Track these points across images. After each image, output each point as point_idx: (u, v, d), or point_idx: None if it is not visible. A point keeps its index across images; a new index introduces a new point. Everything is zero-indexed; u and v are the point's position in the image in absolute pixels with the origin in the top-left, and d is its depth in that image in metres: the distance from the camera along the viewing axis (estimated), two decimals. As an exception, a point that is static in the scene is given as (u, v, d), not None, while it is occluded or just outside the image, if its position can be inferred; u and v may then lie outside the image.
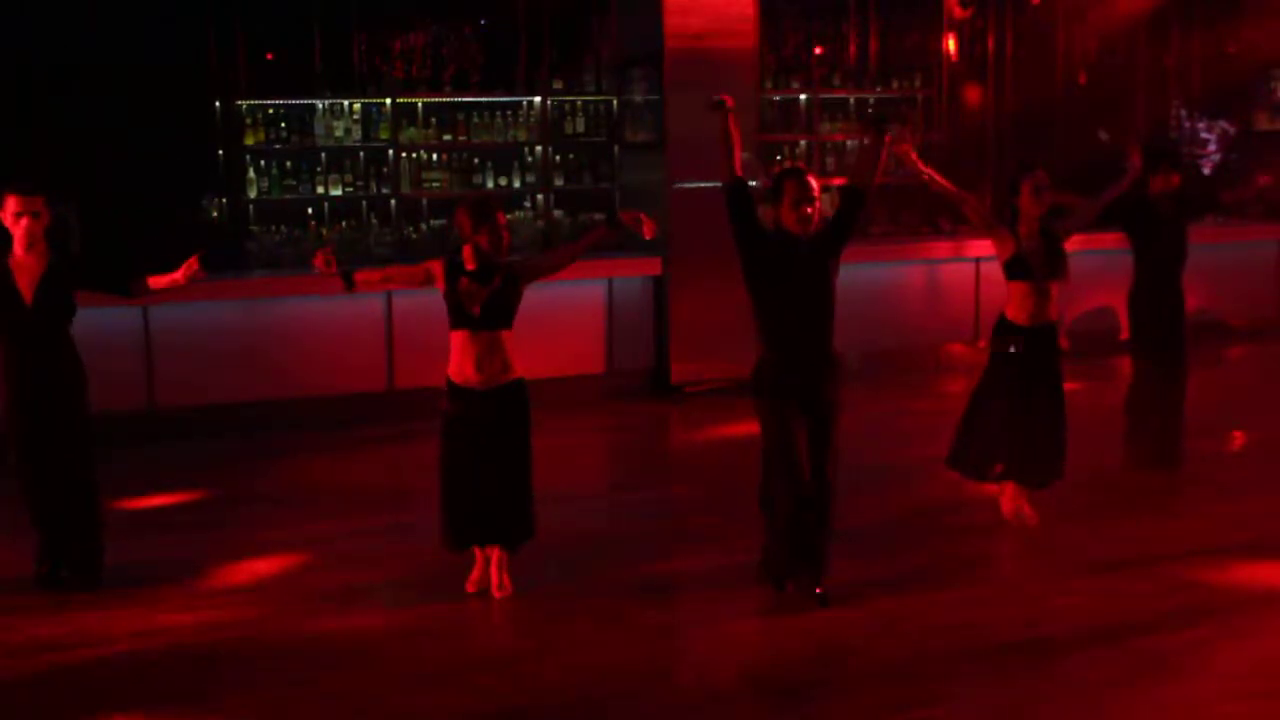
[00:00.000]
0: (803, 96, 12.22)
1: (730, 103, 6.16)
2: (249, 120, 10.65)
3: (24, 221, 6.29)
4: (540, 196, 11.44)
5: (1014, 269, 7.09)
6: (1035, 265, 7.03)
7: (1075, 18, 13.13)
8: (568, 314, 10.43)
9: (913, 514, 7.53)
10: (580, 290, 10.47)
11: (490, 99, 11.28)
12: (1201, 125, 13.88)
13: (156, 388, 9.46)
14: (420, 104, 11.12)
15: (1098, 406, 8.51)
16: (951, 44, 12.58)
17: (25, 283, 6.33)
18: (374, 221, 11.05)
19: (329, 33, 10.83)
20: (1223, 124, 13.89)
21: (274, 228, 10.72)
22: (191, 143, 10.47)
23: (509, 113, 11.33)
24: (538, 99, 11.33)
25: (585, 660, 5.70)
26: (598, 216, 11.46)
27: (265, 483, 8.51)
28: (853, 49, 12.47)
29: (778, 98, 12.12)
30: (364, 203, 11.07)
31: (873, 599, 6.24)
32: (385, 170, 11.04)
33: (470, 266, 6.10)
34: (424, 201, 11.21)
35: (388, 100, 10.98)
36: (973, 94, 12.78)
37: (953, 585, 6.44)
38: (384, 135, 11.00)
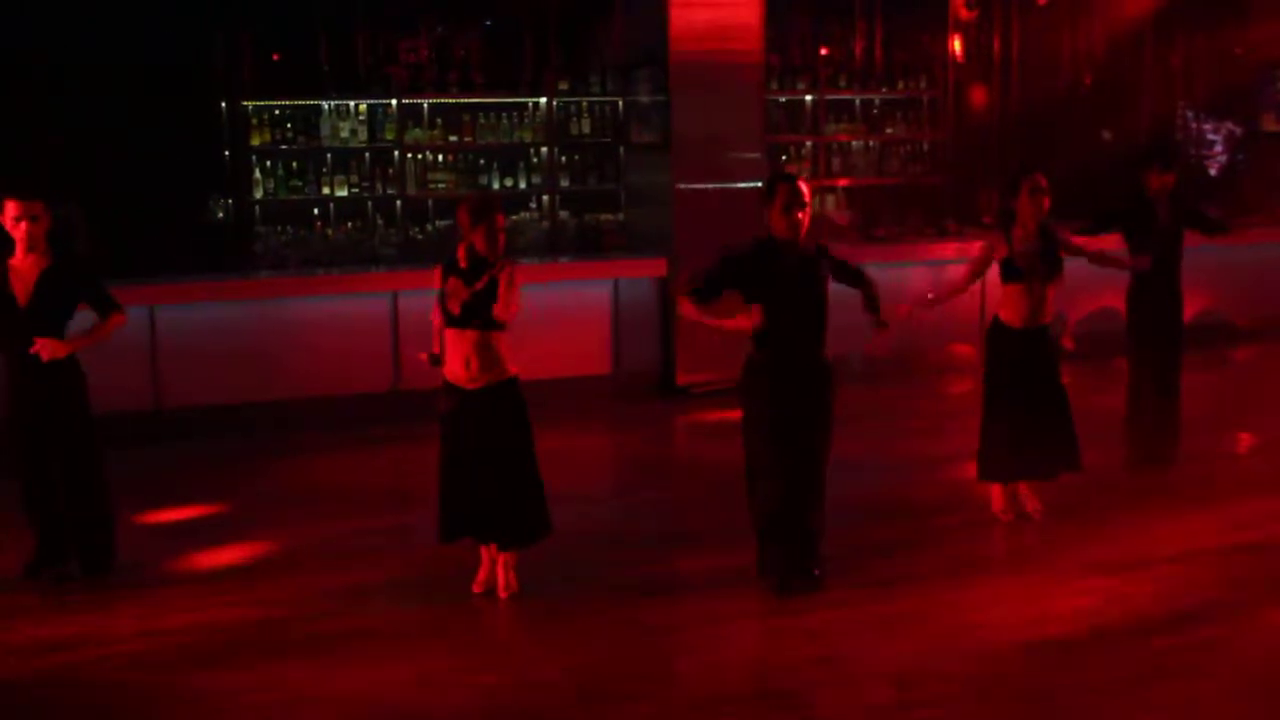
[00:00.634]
0: (808, 97, 12.23)
1: None
2: (255, 121, 10.68)
3: (24, 225, 6.33)
4: (546, 197, 11.46)
5: (1007, 271, 7.12)
6: (1028, 268, 7.05)
7: (1081, 19, 13.12)
8: (574, 315, 10.43)
9: (913, 514, 7.53)
10: (587, 291, 10.50)
11: (496, 100, 11.29)
12: (1208, 126, 13.86)
13: (162, 389, 9.48)
14: (426, 105, 11.14)
15: (1098, 406, 8.51)
16: (957, 45, 12.58)
17: (22, 286, 6.38)
18: (379, 222, 11.08)
19: (335, 34, 10.87)
20: (1229, 125, 13.87)
21: (280, 228, 10.76)
22: (197, 143, 10.52)
23: (514, 114, 11.35)
24: (543, 100, 11.35)
25: (587, 660, 5.72)
26: (604, 217, 11.50)
27: (270, 483, 8.53)
28: (859, 50, 12.47)
29: (783, 98, 12.10)
30: (370, 203, 11.10)
31: (872, 599, 6.26)
32: (391, 171, 11.07)
33: (463, 265, 6.12)
34: (430, 202, 11.24)
35: (393, 101, 11.00)
36: (978, 95, 12.77)
37: (952, 585, 6.45)
38: (390, 136, 11.03)
